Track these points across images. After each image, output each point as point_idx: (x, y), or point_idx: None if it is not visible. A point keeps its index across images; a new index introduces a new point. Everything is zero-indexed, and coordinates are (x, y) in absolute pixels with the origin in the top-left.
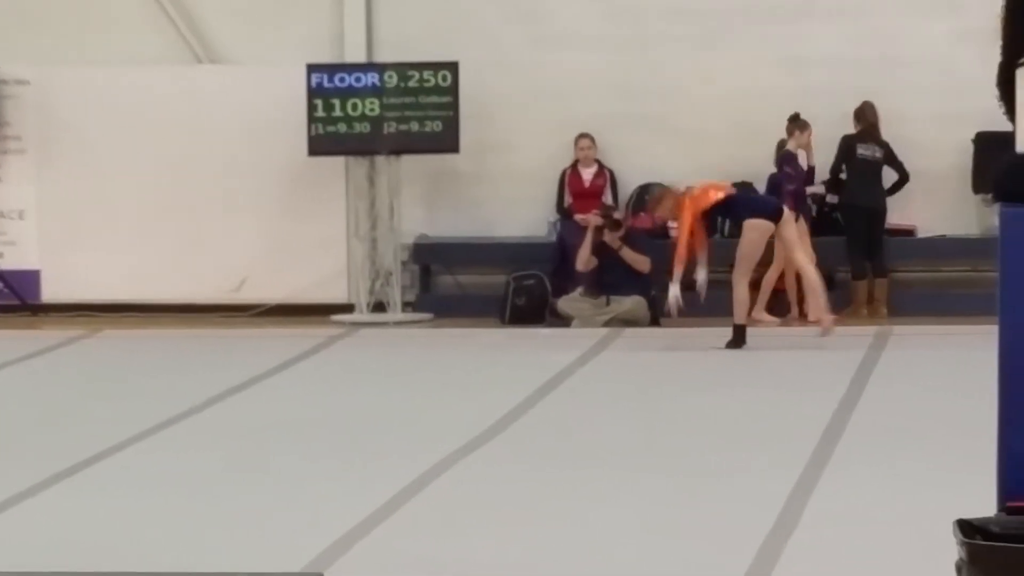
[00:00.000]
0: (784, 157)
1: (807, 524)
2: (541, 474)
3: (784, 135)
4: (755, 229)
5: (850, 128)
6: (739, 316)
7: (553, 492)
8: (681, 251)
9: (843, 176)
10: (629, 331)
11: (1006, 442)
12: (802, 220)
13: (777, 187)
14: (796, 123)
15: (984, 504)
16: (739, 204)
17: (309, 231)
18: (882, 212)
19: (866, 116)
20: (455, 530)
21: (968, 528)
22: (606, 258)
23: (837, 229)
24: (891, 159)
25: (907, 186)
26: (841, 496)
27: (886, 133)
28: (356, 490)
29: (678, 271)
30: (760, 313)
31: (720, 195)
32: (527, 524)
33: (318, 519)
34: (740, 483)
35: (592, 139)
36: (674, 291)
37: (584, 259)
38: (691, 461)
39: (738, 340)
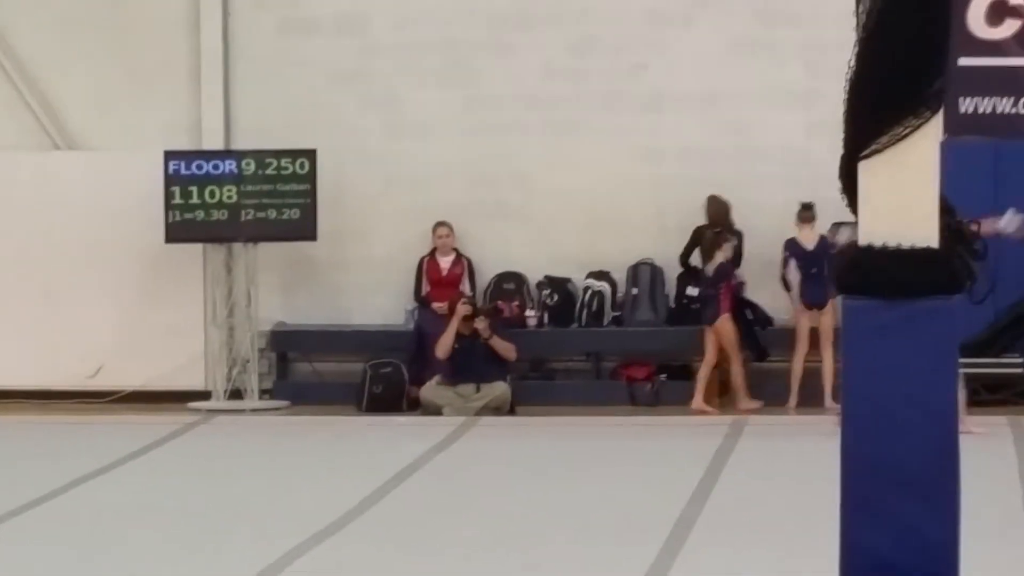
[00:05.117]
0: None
1: None
2: (394, 561)
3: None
4: None
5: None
6: None
7: None
8: None
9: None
10: (485, 419)
11: (848, 534)
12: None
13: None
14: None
15: None
16: None
17: (166, 318)
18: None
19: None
20: None
21: None
22: (468, 345)
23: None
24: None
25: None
26: None
27: (741, 223)
28: None
29: None
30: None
31: None
32: None
33: None
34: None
35: (450, 227)
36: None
37: (446, 347)
38: (543, 551)
39: None
